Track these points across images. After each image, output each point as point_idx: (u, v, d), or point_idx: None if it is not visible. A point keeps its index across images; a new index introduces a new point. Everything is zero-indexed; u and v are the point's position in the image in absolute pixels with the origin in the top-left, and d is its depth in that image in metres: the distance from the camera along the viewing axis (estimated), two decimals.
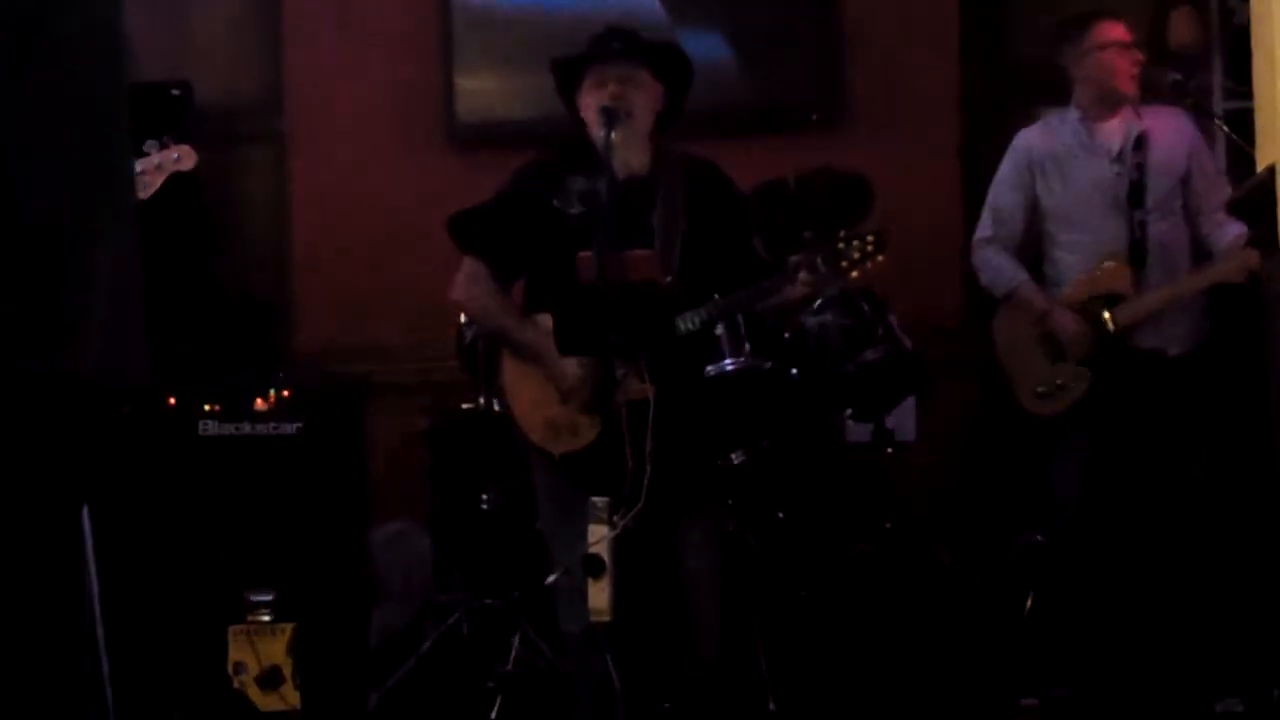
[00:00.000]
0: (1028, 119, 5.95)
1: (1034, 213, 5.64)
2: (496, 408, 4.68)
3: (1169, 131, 5.54)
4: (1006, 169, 5.72)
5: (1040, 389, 5.52)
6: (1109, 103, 5.53)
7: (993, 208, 5.74)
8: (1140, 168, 5.45)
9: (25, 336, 2.84)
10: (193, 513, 5.72)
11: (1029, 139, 5.70)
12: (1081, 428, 5.46)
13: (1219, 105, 6.60)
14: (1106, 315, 5.40)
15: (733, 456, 5.47)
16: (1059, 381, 5.48)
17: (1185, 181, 5.51)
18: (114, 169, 3.02)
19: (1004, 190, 5.71)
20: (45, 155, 2.82)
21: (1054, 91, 5.84)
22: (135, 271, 3.03)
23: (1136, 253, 5.42)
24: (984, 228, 5.74)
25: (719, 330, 5.13)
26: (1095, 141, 5.54)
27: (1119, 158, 5.50)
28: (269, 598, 5.64)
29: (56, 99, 2.86)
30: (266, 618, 5.63)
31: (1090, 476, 5.46)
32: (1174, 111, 5.65)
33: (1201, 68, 6.72)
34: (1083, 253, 5.53)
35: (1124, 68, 5.50)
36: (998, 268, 5.66)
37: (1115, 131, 5.53)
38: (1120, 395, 5.41)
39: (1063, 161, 5.58)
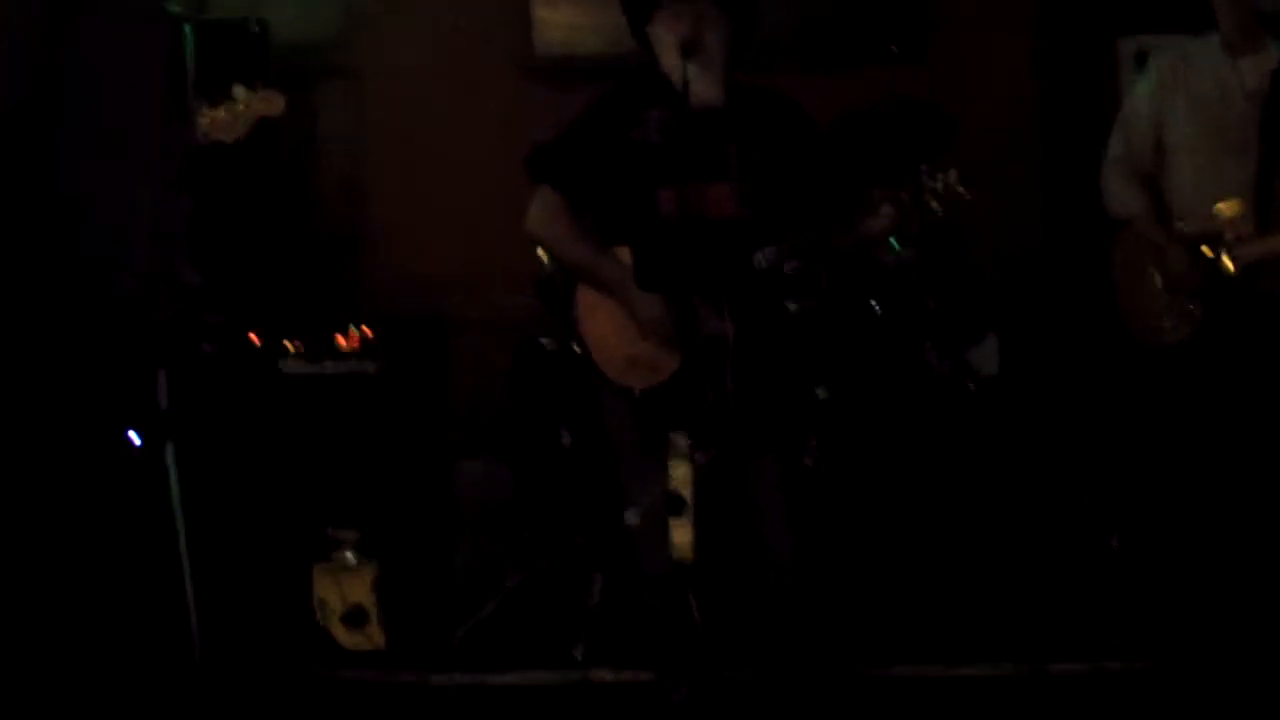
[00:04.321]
0: (1108, 44, 5.85)
1: (1161, 140, 5.50)
2: (576, 347, 4.66)
3: None
4: (1140, 90, 5.57)
5: (1152, 320, 5.41)
6: (1253, 35, 5.35)
7: (1124, 128, 5.58)
8: (1276, 106, 5.30)
9: (60, 279, 2.88)
10: (276, 451, 5.74)
11: (1165, 63, 5.48)
12: (1189, 363, 5.35)
13: None
14: (1225, 254, 5.27)
15: (815, 391, 5.44)
16: (1170, 313, 5.36)
17: None
18: (151, 118, 3.04)
19: (1135, 112, 5.54)
20: (81, 113, 2.84)
21: (1136, 16, 5.73)
22: (177, 214, 3.06)
23: (1264, 194, 5.28)
24: (1114, 146, 5.57)
25: (799, 264, 5.09)
26: (1233, 74, 5.38)
27: (1254, 94, 5.35)
28: (353, 536, 5.67)
29: (93, 57, 2.88)
30: (350, 556, 5.66)
31: (1190, 412, 5.36)
32: None
33: None
34: (1207, 188, 5.37)
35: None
36: (1119, 193, 5.53)
37: (1256, 67, 5.37)
38: (1232, 336, 5.29)
39: (1196, 92, 5.41)
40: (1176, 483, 5.38)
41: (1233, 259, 5.20)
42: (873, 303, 5.53)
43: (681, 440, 4.03)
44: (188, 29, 6.44)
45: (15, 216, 2.93)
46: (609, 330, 4.43)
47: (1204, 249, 5.24)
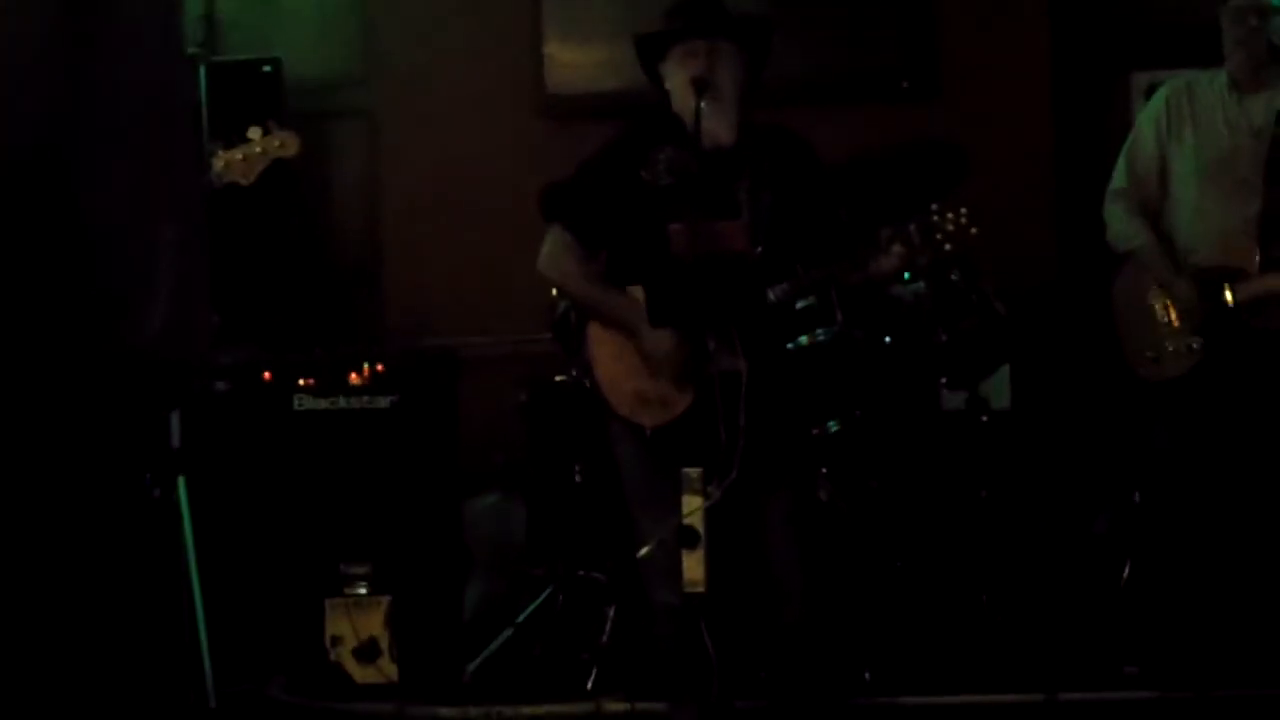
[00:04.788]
0: (1122, 82, 5.87)
1: (1165, 172, 5.51)
2: (587, 382, 4.69)
3: None
4: (1145, 122, 5.58)
5: (1150, 353, 5.42)
6: (1261, 73, 5.36)
7: (1128, 159, 5.59)
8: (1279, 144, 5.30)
9: (83, 317, 2.90)
10: (290, 486, 5.75)
11: (1172, 95, 5.50)
12: (1187, 397, 5.36)
13: None
14: (1227, 289, 5.27)
15: (827, 425, 5.46)
16: (1170, 348, 5.38)
17: None
18: (175, 156, 3.06)
19: (1140, 144, 5.57)
20: (103, 148, 2.86)
21: (1148, 55, 5.75)
22: (199, 251, 3.07)
23: (1267, 230, 5.28)
24: (1117, 178, 5.60)
25: (811, 300, 5.12)
26: (1240, 111, 5.38)
27: (1260, 132, 5.35)
28: (365, 570, 5.68)
29: (114, 92, 2.90)
30: (363, 590, 5.67)
31: (1191, 444, 5.37)
32: None
33: None
34: (1209, 223, 5.38)
35: None
36: (1123, 224, 5.53)
37: (1262, 103, 5.37)
38: (1231, 371, 5.29)
39: (1201, 126, 5.42)
40: (1183, 513, 5.39)
41: (1235, 294, 5.23)
42: (885, 337, 5.54)
43: (694, 474, 4.04)
44: (201, 70, 6.50)
45: (36, 253, 2.95)
46: (620, 367, 4.45)
47: (1209, 281, 5.27)
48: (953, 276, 5.66)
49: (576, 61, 7.00)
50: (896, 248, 4.31)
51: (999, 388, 6.04)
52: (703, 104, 4.32)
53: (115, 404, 3.12)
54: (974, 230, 4.27)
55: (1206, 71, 5.47)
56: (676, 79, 4.44)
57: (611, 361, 4.48)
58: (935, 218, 4.27)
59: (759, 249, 4.34)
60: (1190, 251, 5.40)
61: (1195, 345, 5.31)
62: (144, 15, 2.99)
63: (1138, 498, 5.79)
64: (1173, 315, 5.37)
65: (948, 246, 4.28)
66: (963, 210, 4.27)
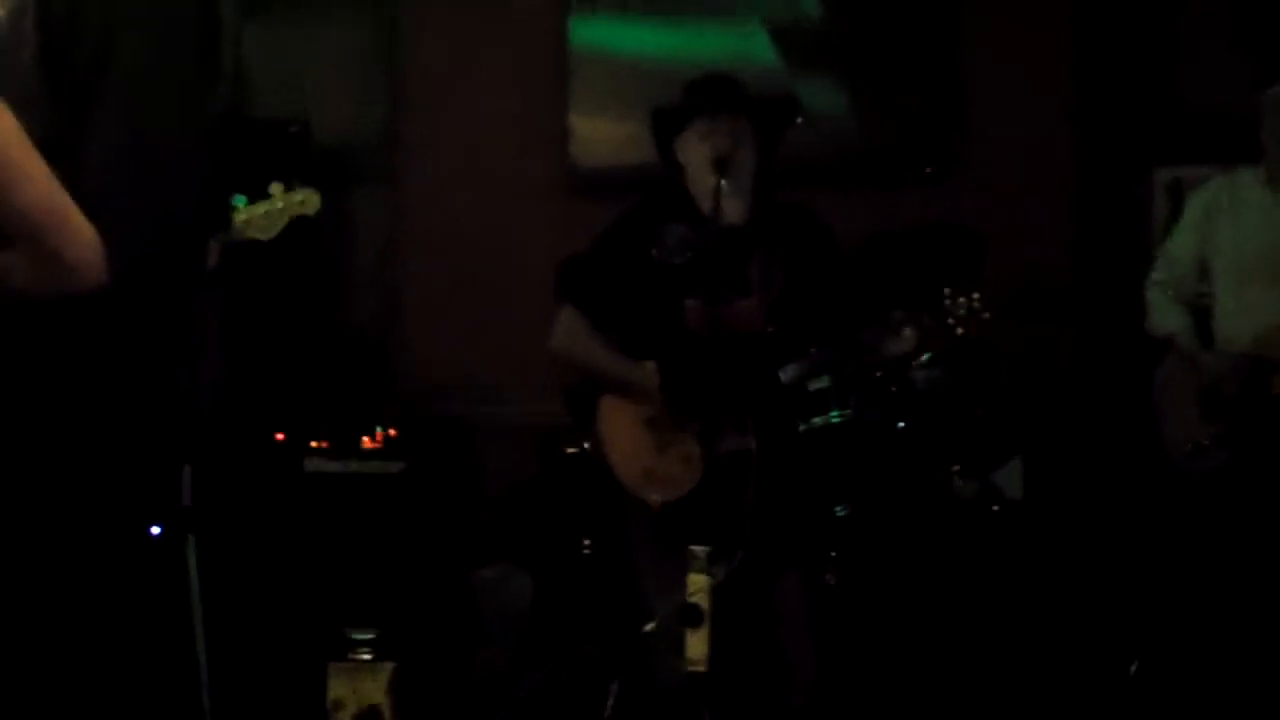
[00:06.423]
0: (1144, 173, 5.88)
1: (1205, 267, 5.53)
2: (598, 456, 4.69)
3: None
4: (1185, 219, 5.63)
5: (1189, 446, 5.40)
6: None
7: (1167, 252, 5.64)
8: None
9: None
10: (297, 548, 5.75)
11: (1213, 191, 5.54)
12: (1225, 489, 5.33)
13: None
14: (1274, 380, 5.25)
15: (836, 509, 5.43)
16: (1208, 440, 5.36)
17: None
18: (187, 214, 3.08)
19: (1178, 239, 5.62)
20: (115, 202, 2.87)
21: (1173, 147, 5.76)
22: (208, 310, 3.09)
23: None
24: (1157, 269, 5.63)
25: (824, 382, 5.11)
26: (1277, 205, 5.42)
27: None
28: (370, 636, 5.65)
29: (125, 155, 2.92)
30: (367, 656, 5.64)
31: (1226, 537, 5.33)
32: None
33: None
34: (1249, 318, 5.38)
35: None
36: (1161, 310, 5.57)
37: None
38: (1268, 464, 5.27)
39: (1241, 223, 5.45)
40: (1197, 610, 5.36)
41: (1278, 386, 5.22)
42: (899, 422, 5.53)
43: (700, 552, 4.03)
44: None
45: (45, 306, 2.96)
46: (628, 443, 4.45)
47: (1254, 372, 5.26)
48: (972, 362, 5.64)
49: (601, 135, 7.01)
50: (907, 330, 4.32)
51: (1011, 477, 6.01)
52: (723, 182, 4.33)
53: (124, 456, 3.13)
54: (986, 315, 4.28)
55: (1245, 168, 5.48)
56: (695, 155, 4.46)
57: (621, 438, 4.48)
58: (948, 301, 4.28)
59: (773, 328, 4.35)
60: (1229, 343, 5.40)
61: (1231, 434, 5.28)
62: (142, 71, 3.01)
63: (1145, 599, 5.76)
64: (1214, 405, 5.35)
65: (959, 330, 4.29)
66: (975, 295, 4.28)
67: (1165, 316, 5.55)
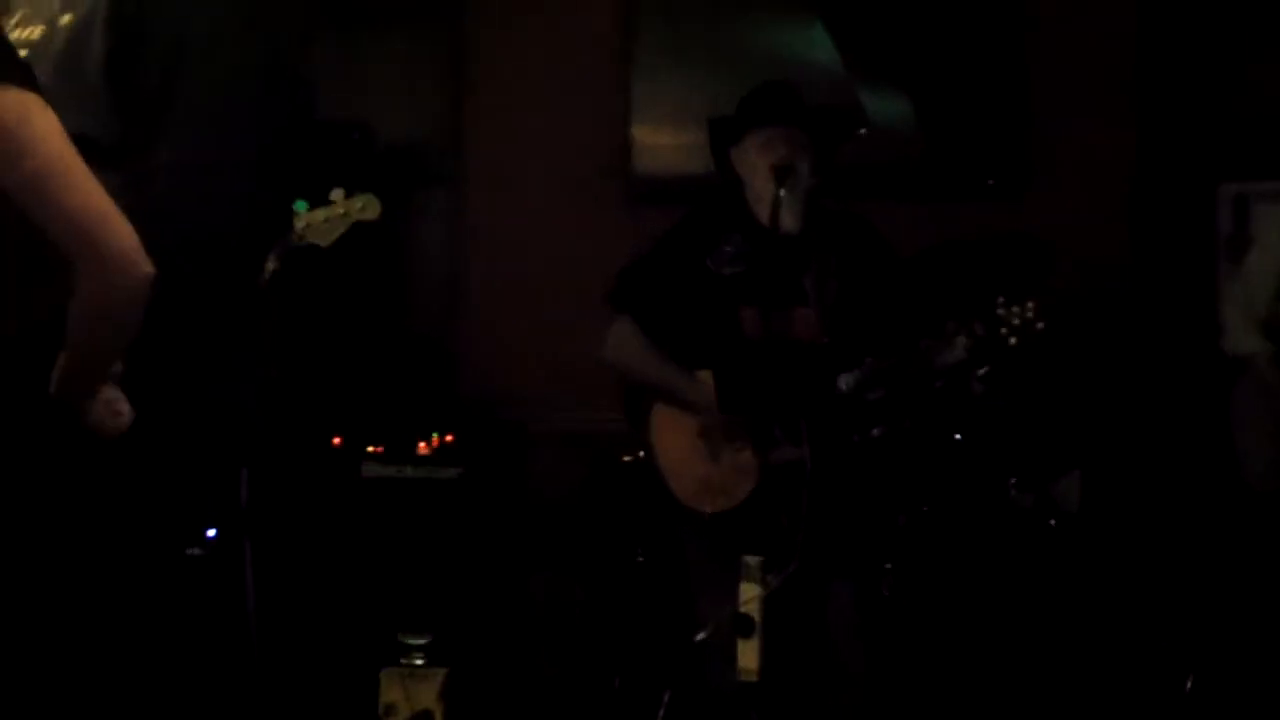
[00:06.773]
0: (1209, 189, 5.84)
1: None
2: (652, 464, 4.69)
3: None
4: (1264, 237, 5.64)
5: (1263, 466, 5.37)
6: None
7: (1244, 272, 5.64)
8: None
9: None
10: (352, 552, 5.76)
11: None
12: None
13: None
14: None
15: (894, 519, 5.41)
16: None
17: None
18: (242, 220, 3.10)
19: (1255, 259, 5.61)
20: (177, 211, 2.89)
21: (1239, 162, 5.72)
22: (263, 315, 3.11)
23: None
24: (1235, 289, 5.65)
25: (880, 392, 5.08)
26: None
27: None
28: (423, 641, 5.67)
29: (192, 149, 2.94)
30: (420, 661, 5.66)
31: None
32: None
33: None
34: None
35: None
36: (1238, 331, 5.55)
37: None
38: None
39: None
40: (1255, 627, 5.32)
41: None
42: (955, 434, 5.50)
43: (753, 561, 4.02)
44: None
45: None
46: (681, 452, 4.45)
47: None
48: (1031, 374, 5.61)
49: (664, 144, 7.01)
50: (961, 339, 4.28)
51: (1070, 490, 5.98)
52: (781, 192, 4.32)
53: (182, 460, 3.15)
54: (1040, 325, 4.23)
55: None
56: (753, 166, 4.44)
57: (674, 447, 4.47)
58: (1001, 310, 4.23)
59: (830, 338, 4.33)
60: None
61: None
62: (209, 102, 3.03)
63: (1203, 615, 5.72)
64: None
65: (1013, 340, 4.24)
66: (1029, 304, 4.23)
67: (1243, 337, 5.52)
